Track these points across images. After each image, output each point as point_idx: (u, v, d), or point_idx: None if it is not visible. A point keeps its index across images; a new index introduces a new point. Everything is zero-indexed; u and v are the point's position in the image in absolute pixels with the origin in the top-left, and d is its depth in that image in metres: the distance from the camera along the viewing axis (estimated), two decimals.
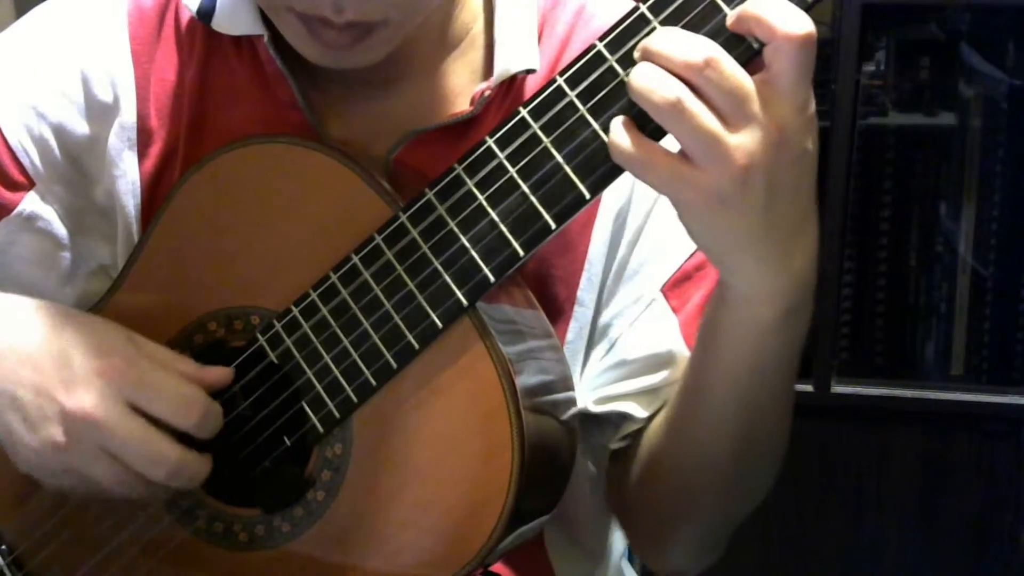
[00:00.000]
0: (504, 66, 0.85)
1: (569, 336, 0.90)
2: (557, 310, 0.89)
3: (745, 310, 0.76)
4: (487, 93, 0.85)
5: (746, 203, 0.68)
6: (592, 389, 0.91)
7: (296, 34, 0.80)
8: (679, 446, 0.87)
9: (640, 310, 0.90)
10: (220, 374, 0.83)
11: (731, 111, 0.67)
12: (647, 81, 0.68)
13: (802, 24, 0.67)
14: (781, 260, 0.72)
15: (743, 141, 0.67)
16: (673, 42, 0.68)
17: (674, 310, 0.89)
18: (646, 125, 0.70)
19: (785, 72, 0.68)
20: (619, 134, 0.70)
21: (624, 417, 0.90)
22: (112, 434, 0.78)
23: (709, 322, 0.81)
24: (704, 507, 0.90)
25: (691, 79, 0.67)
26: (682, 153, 0.69)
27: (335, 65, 0.82)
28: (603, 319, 0.91)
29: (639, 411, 0.89)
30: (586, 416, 0.91)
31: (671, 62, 0.68)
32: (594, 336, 0.91)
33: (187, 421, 0.80)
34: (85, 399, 0.78)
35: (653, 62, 0.68)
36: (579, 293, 0.90)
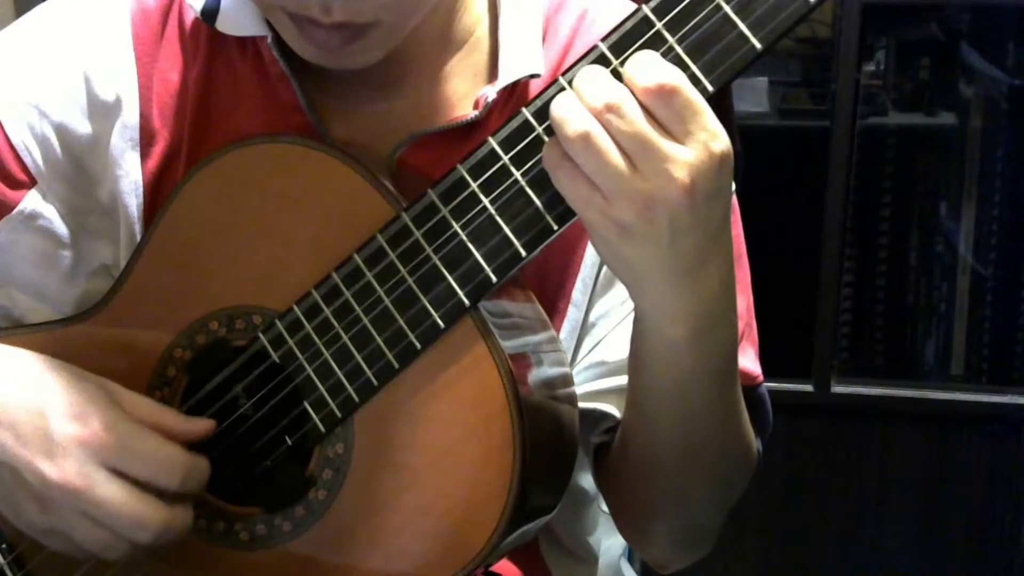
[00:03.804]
0: (509, 71, 0.86)
1: (562, 335, 0.91)
2: (554, 310, 0.90)
3: (654, 330, 0.79)
4: (491, 99, 0.85)
5: (649, 237, 0.71)
6: (576, 385, 0.92)
7: (289, 33, 0.81)
8: (630, 448, 0.89)
9: (625, 313, 0.91)
10: (203, 427, 0.83)
11: (634, 154, 0.70)
12: (563, 111, 0.71)
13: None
14: (686, 286, 0.75)
15: (646, 183, 0.70)
16: (589, 82, 0.71)
17: None
18: None
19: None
20: (552, 142, 0.72)
21: (604, 415, 0.92)
22: (94, 502, 0.78)
23: (631, 341, 0.84)
24: (663, 507, 0.92)
25: (599, 119, 0.70)
26: None
27: (331, 65, 0.82)
28: (591, 316, 0.92)
29: (615, 411, 0.91)
30: None
31: (583, 100, 0.71)
32: (584, 330, 0.93)
33: (171, 483, 0.80)
34: (66, 468, 0.78)
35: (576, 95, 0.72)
36: (574, 294, 0.91)
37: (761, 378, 0.93)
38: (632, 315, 0.90)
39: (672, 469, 0.87)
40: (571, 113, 0.71)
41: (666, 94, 0.70)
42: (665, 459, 0.86)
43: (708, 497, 0.91)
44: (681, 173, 0.70)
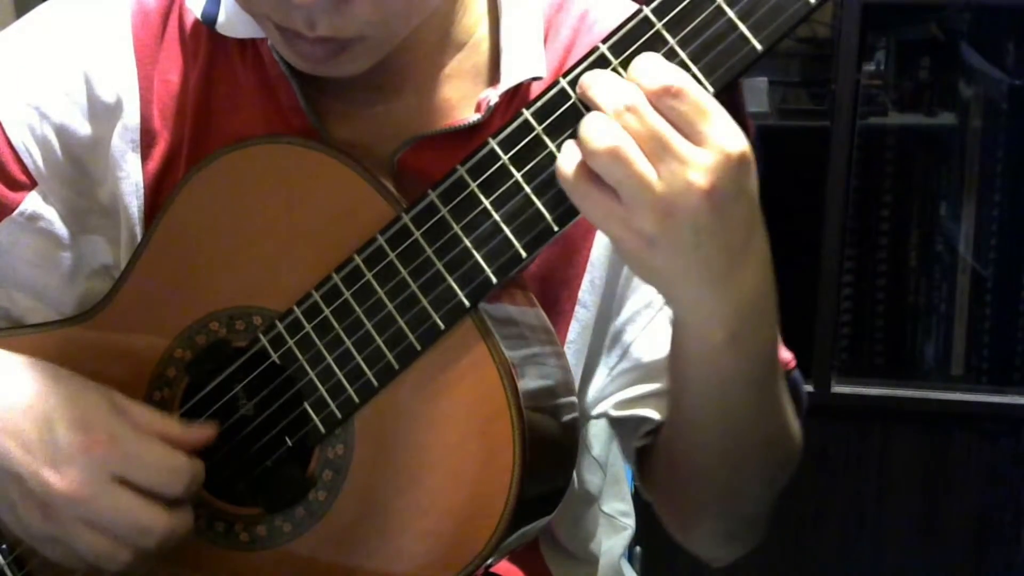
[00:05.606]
0: (511, 74, 0.85)
1: (570, 336, 0.91)
2: (559, 311, 0.90)
3: (693, 335, 0.78)
4: (493, 102, 0.85)
5: (673, 246, 0.71)
6: (611, 394, 0.93)
7: (276, 42, 0.81)
8: (674, 450, 0.89)
9: (652, 315, 0.91)
10: (204, 434, 0.84)
11: (654, 155, 0.69)
12: (591, 126, 0.70)
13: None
14: (719, 291, 0.74)
15: (666, 190, 0.69)
16: (600, 85, 0.71)
17: None
18: None
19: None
20: (567, 158, 0.72)
21: (643, 419, 0.92)
22: (99, 510, 0.79)
23: (672, 345, 0.83)
24: (712, 505, 0.91)
25: (619, 121, 0.70)
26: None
27: (319, 74, 0.82)
28: (615, 325, 0.92)
29: (654, 414, 0.91)
30: (610, 420, 0.94)
31: (598, 104, 0.71)
32: (603, 342, 0.92)
33: (173, 491, 0.81)
34: (72, 476, 0.79)
35: (589, 105, 0.71)
36: (580, 294, 0.90)
37: (793, 363, 0.92)
38: (659, 317, 0.90)
39: (719, 468, 0.87)
40: (599, 128, 0.70)
41: (673, 96, 0.69)
42: (712, 459, 0.86)
43: (756, 491, 0.91)
44: (698, 177, 0.69)
